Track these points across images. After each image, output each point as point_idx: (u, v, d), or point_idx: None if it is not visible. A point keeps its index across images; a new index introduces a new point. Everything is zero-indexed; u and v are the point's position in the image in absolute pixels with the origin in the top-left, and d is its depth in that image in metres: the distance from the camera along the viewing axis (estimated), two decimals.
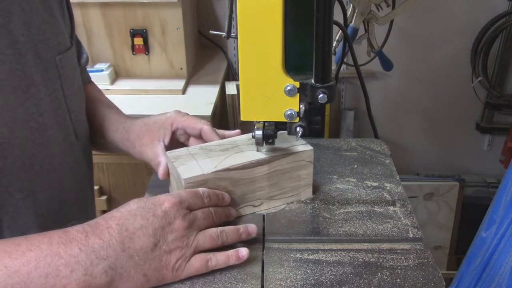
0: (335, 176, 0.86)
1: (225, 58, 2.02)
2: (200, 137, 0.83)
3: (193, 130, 0.83)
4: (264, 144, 0.73)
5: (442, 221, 2.10)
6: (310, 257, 0.68)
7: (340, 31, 1.38)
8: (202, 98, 1.63)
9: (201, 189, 0.70)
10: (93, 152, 0.94)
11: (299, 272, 0.66)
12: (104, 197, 1.61)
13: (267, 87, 0.67)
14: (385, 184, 0.84)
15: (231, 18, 0.77)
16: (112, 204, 1.63)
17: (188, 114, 0.86)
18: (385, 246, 0.71)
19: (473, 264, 1.32)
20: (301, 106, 0.68)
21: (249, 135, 0.80)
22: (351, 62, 1.24)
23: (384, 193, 0.82)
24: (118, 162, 1.57)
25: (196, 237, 0.64)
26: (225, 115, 1.82)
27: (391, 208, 0.78)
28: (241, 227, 0.69)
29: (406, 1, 1.58)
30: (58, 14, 0.78)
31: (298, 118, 0.69)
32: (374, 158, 0.92)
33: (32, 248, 0.56)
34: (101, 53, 1.69)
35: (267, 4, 0.63)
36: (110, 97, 0.99)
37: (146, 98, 1.62)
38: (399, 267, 0.66)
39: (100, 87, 1.02)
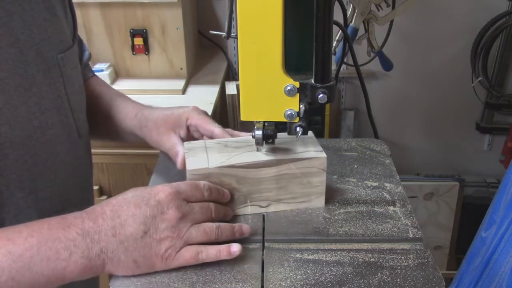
0: (335, 176, 0.86)
1: (225, 58, 2.02)
2: (212, 138, 0.84)
3: (205, 131, 0.85)
4: (264, 144, 0.73)
5: (442, 221, 2.10)
6: (310, 257, 0.69)
7: (340, 31, 1.38)
8: (202, 98, 1.63)
9: (202, 182, 0.70)
10: (93, 150, 0.94)
11: (299, 272, 0.66)
12: (104, 197, 1.61)
13: (267, 87, 0.67)
14: (385, 184, 0.84)
15: (231, 18, 0.77)
16: None
17: (205, 113, 0.87)
18: (385, 246, 0.71)
19: (473, 264, 1.32)
20: (301, 106, 0.68)
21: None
22: (351, 62, 1.24)
23: (384, 193, 0.82)
24: (118, 162, 1.57)
25: (189, 229, 0.65)
26: (225, 115, 1.82)
27: (391, 208, 0.78)
28: (236, 225, 0.70)
29: (406, 1, 1.58)
30: (60, 13, 0.79)
31: (298, 118, 0.69)
32: (374, 158, 0.92)
33: (33, 234, 0.59)
34: (101, 53, 1.69)
35: (267, 4, 0.63)
36: None
37: (146, 98, 1.60)
38: (399, 267, 0.66)
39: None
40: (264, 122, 0.72)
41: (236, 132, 0.86)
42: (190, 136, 0.87)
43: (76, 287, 0.77)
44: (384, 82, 2.13)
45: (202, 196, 0.69)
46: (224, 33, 0.79)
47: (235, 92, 1.76)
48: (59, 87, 0.75)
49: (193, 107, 0.88)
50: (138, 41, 1.66)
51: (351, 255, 0.69)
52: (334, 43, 1.50)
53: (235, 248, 0.66)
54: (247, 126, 0.87)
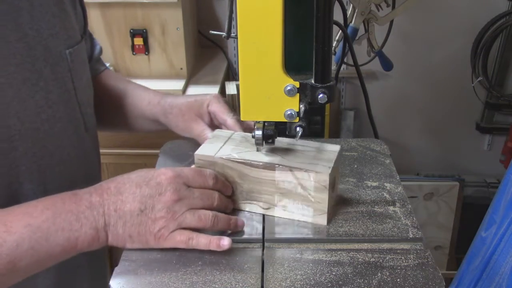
0: None
1: (225, 58, 2.02)
2: (225, 128, 0.85)
3: (220, 120, 0.87)
4: (264, 144, 0.73)
5: (442, 221, 2.10)
6: (310, 257, 0.69)
7: (340, 31, 1.38)
8: None
9: (208, 170, 0.72)
10: (102, 150, 0.95)
11: (299, 272, 0.66)
12: None
13: (267, 87, 0.67)
14: (385, 184, 0.84)
15: (231, 18, 0.77)
16: None
17: (226, 102, 0.89)
18: (385, 246, 0.71)
19: (473, 264, 1.32)
20: (301, 106, 0.68)
21: (291, 140, 0.79)
22: (351, 62, 1.24)
23: (384, 193, 0.82)
24: (118, 162, 1.57)
25: (185, 213, 0.67)
26: None
27: (391, 208, 0.78)
28: (232, 217, 0.71)
29: (406, 1, 1.58)
30: (69, 8, 0.80)
31: (298, 118, 0.69)
32: (374, 158, 0.92)
33: (48, 207, 0.64)
34: None
35: (267, 4, 0.63)
36: None
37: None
38: (399, 267, 0.66)
39: None
40: (264, 122, 0.72)
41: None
42: (211, 122, 0.88)
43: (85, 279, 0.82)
44: (384, 82, 2.12)
45: (205, 183, 0.70)
46: (224, 33, 0.79)
47: (235, 92, 1.76)
48: (67, 82, 0.77)
49: (215, 94, 0.90)
50: (138, 41, 1.65)
51: (351, 255, 0.69)
52: (334, 43, 1.50)
53: (225, 241, 0.68)
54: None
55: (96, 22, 1.64)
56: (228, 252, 0.69)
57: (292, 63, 0.68)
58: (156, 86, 1.65)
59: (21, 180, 0.71)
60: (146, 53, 1.68)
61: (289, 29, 0.65)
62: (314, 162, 0.73)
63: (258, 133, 0.72)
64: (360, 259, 0.68)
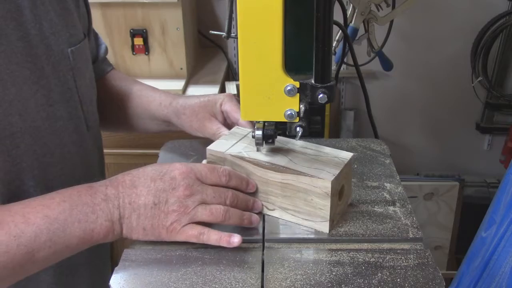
0: None
1: (225, 58, 2.02)
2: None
3: (233, 119, 0.87)
4: (264, 144, 0.73)
5: (442, 221, 2.10)
6: (310, 257, 0.69)
7: (340, 31, 1.38)
8: None
9: (222, 167, 0.72)
10: (105, 151, 0.96)
11: (299, 272, 0.66)
12: None
13: (267, 87, 0.67)
14: (385, 184, 0.84)
15: (231, 18, 0.78)
16: None
17: (237, 102, 0.89)
18: (385, 246, 0.71)
19: (473, 264, 1.32)
20: (301, 106, 0.68)
21: (305, 143, 0.79)
22: (351, 62, 1.24)
23: (384, 193, 0.82)
24: (118, 162, 1.57)
25: (197, 207, 0.68)
26: None
27: (391, 208, 0.78)
28: (246, 213, 0.72)
29: (406, 1, 1.58)
30: (71, 6, 0.80)
31: (298, 118, 0.69)
32: (374, 158, 0.92)
33: (65, 199, 0.65)
34: None
35: (267, 4, 0.63)
36: None
37: None
38: (399, 267, 0.66)
39: None
40: (264, 122, 0.72)
41: None
42: (224, 122, 0.89)
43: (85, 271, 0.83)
44: (384, 82, 2.12)
45: (217, 180, 0.71)
46: (224, 33, 0.79)
47: (235, 92, 1.76)
48: (69, 80, 0.78)
49: (228, 94, 0.90)
50: (138, 41, 1.66)
51: (351, 255, 0.69)
52: (334, 43, 1.50)
53: (236, 239, 0.68)
54: None
55: (96, 22, 1.63)
56: (228, 252, 0.69)
57: (292, 63, 0.68)
58: (156, 86, 1.65)
59: (23, 177, 0.72)
60: (146, 53, 1.68)
61: (289, 29, 0.65)
62: (321, 168, 0.72)
63: (258, 133, 0.72)
64: (360, 259, 0.68)
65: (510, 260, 1.16)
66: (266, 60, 0.66)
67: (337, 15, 0.75)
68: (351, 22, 1.55)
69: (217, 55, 2.02)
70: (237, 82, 1.82)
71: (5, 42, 0.67)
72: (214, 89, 1.70)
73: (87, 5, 0.87)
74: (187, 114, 0.90)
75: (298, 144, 0.78)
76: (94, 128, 0.88)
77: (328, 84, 0.65)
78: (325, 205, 0.70)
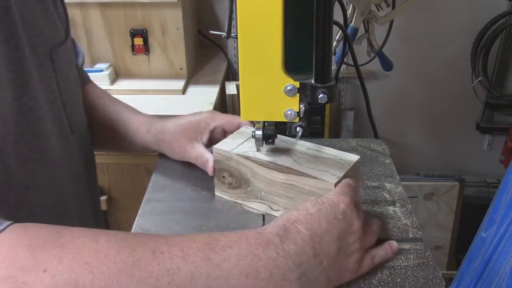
0: None
1: (225, 58, 2.02)
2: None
3: (232, 126, 0.85)
4: (263, 144, 0.73)
5: (442, 221, 2.10)
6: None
7: (340, 31, 1.38)
8: (202, 98, 1.63)
9: (349, 180, 0.68)
10: (96, 152, 0.94)
11: None
12: (104, 197, 1.61)
13: (267, 87, 0.67)
14: (385, 184, 0.84)
15: (231, 18, 0.77)
16: (112, 204, 1.63)
17: (221, 113, 0.88)
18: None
19: (473, 264, 1.32)
20: (301, 106, 0.68)
21: (312, 145, 0.78)
22: (351, 62, 1.24)
23: (384, 193, 0.82)
24: (118, 162, 1.57)
25: (366, 235, 0.64)
26: None
27: (391, 208, 0.78)
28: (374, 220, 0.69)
29: (406, 1, 1.58)
30: (51, 7, 0.78)
31: (298, 118, 0.69)
32: (374, 158, 0.92)
33: (231, 245, 0.55)
34: (101, 53, 1.69)
35: (267, 4, 0.63)
36: None
37: (146, 98, 1.62)
38: (399, 267, 0.66)
39: (100, 87, 1.01)
40: (264, 122, 0.72)
41: None
42: (213, 139, 0.86)
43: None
44: (384, 82, 2.12)
45: (356, 195, 0.67)
46: (224, 33, 0.79)
47: (235, 92, 1.76)
48: (52, 82, 0.75)
49: (210, 111, 0.88)
50: (138, 41, 1.66)
51: None
52: (334, 43, 1.50)
53: (395, 244, 0.67)
54: None
55: (96, 22, 1.64)
56: None
57: (292, 63, 0.68)
58: (156, 86, 1.68)
59: (9, 183, 0.68)
60: (146, 53, 1.68)
61: (289, 29, 0.65)
62: (325, 169, 0.71)
63: (258, 133, 0.72)
64: None
65: (510, 260, 1.16)
66: (266, 60, 0.66)
67: (337, 15, 0.75)
68: (351, 22, 1.55)
69: (217, 55, 2.02)
70: (237, 82, 1.82)
71: None
72: (214, 89, 1.70)
73: (64, 7, 0.85)
74: (166, 141, 0.87)
75: (305, 145, 0.78)
76: (80, 130, 0.85)
77: (328, 84, 0.65)
78: None
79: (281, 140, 0.79)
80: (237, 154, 0.76)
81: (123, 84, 1.68)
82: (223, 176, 0.79)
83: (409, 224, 0.74)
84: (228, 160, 0.77)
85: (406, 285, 0.64)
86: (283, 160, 0.74)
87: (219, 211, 0.78)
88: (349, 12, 1.55)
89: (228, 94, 1.76)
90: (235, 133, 0.82)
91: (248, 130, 0.83)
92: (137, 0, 1.60)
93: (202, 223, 0.75)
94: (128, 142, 0.92)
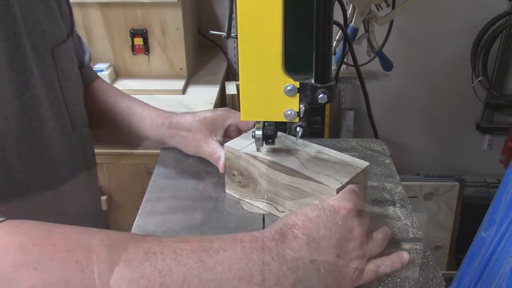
0: None
1: (225, 58, 2.02)
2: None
3: (246, 125, 0.86)
4: (263, 144, 0.73)
5: (442, 221, 2.10)
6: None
7: (340, 31, 1.38)
8: (202, 98, 1.63)
9: (354, 186, 0.67)
10: (96, 150, 0.94)
11: None
12: (104, 197, 1.61)
13: (267, 87, 0.67)
14: (385, 184, 0.84)
15: (231, 18, 0.77)
16: (112, 204, 1.63)
17: (237, 112, 0.88)
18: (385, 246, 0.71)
19: (473, 264, 1.32)
20: (301, 106, 0.68)
21: (321, 148, 0.78)
22: (351, 62, 1.24)
23: (384, 193, 0.82)
24: (118, 162, 1.57)
25: (368, 243, 0.62)
26: None
27: (391, 208, 0.78)
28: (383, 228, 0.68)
29: (406, 1, 1.58)
30: (54, 5, 0.79)
31: (298, 118, 0.69)
32: (374, 158, 0.92)
33: (226, 248, 0.55)
34: (101, 53, 1.69)
35: (267, 4, 0.63)
36: None
37: (146, 98, 1.61)
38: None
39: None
40: (264, 122, 0.72)
41: None
42: (228, 136, 0.87)
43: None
44: (384, 82, 2.12)
45: (363, 202, 0.66)
46: (224, 33, 0.79)
47: (235, 92, 1.76)
48: (54, 80, 0.76)
49: (225, 108, 0.89)
50: (138, 41, 1.65)
51: None
52: (334, 43, 1.50)
53: (406, 256, 0.65)
54: None
55: (96, 22, 1.64)
56: None
57: (292, 63, 0.68)
58: (156, 86, 1.68)
59: (9, 180, 0.69)
60: (146, 53, 1.68)
61: (289, 29, 0.65)
62: (331, 174, 0.70)
63: (258, 133, 0.72)
64: None
65: (510, 260, 1.16)
66: (266, 60, 0.66)
67: (337, 15, 0.75)
68: (351, 22, 1.55)
69: (217, 55, 2.02)
70: (237, 82, 1.82)
71: None
72: (214, 89, 1.70)
73: (69, 5, 0.85)
74: (181, 135, 0.87)
75: (314, 148, 0.78)
76: (81, 128, 0.85)
77: (328, 84, 0.65)
78: None
79: (291, 141, 0.80)
80: (246, 153, 0.76)
81: (123, 84, 1.68)
82: (233, 174, 0.80)
83: (409, 224, 0.74)
84: (238, 159, 0.77)
85: (406, 285, 0.64)
86: (289, 162, 0.73)
87: (219, 211, 0.78)
88: (349, 12, 1.55)
89: (228, 94, 1.76)
90: (248, 132, 0.83)
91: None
92: (137, 0, 1.60)
93: (202, 223, 0.75)
94: (141, 136, 0.92)
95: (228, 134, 0.88)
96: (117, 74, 1.72)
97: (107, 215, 1.65)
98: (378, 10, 1.60)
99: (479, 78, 2.02)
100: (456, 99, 2.15)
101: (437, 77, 2.10)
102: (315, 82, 0.66)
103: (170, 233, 0.73)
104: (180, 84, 1.69)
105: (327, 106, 1.94)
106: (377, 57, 1.70)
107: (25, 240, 0.51)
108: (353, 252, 0.60)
